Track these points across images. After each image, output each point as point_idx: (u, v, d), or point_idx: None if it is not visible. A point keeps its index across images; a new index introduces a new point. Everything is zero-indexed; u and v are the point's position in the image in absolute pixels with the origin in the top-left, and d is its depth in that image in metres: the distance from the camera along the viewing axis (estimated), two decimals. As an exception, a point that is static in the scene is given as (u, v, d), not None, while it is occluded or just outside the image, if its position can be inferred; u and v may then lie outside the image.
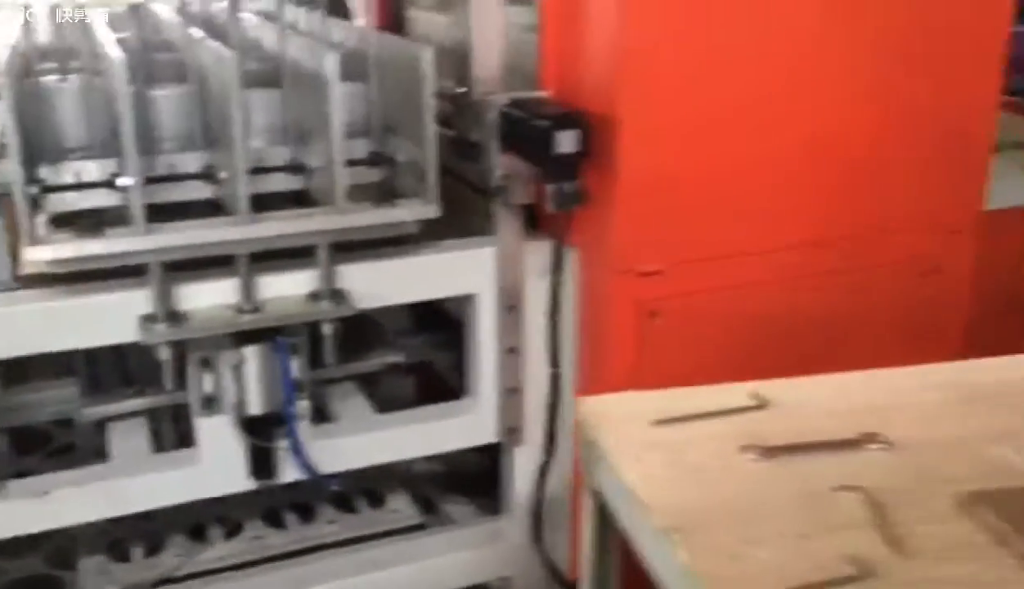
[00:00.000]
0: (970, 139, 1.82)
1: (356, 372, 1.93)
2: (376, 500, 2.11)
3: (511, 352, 1.81)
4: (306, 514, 2.07)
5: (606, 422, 1.10)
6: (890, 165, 1.78)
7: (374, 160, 1.70)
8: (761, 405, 1.14)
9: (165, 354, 1.54)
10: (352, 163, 1.66)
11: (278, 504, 2.07)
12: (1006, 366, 1.26)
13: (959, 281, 1.90)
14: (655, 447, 1.04)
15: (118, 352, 1.78)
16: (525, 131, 1.53)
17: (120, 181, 1.46)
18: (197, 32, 1.74)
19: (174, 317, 1.54)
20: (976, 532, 0.90)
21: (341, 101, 1.50)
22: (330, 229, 1.57)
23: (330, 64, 1.48)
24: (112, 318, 1.52)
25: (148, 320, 1.52)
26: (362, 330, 1.97)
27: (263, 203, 1.55)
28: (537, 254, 1.78)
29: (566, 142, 1.49)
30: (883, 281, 1.85)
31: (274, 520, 2.05)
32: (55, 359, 1.68)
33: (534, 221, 1.75)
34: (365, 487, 2.11)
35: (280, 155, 1.67)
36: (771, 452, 1.02)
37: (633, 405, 1.14)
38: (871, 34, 1.69)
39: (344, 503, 2.10)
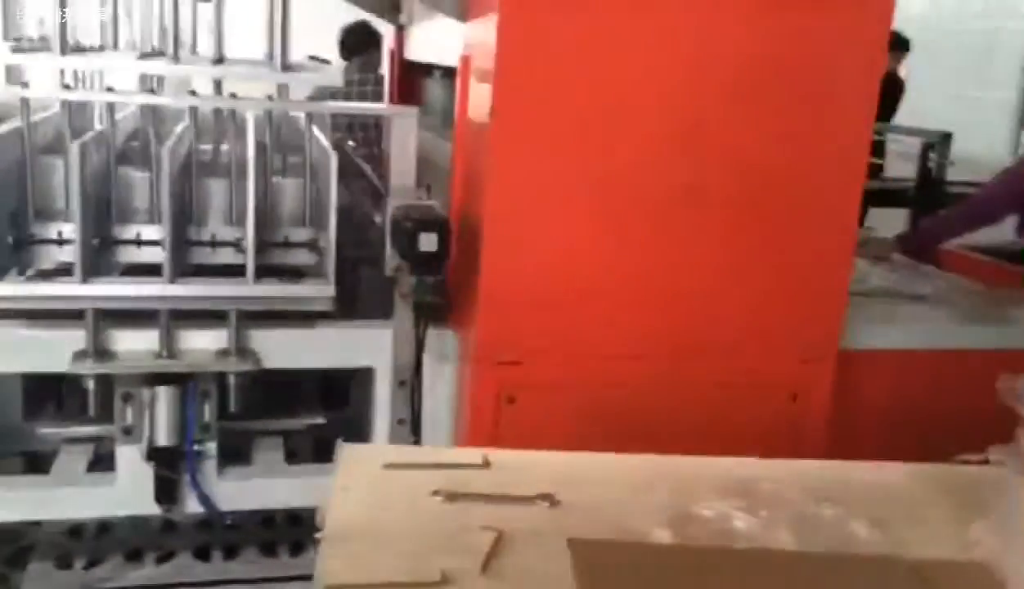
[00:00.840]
0: (828, 278, 1.99)
1: (274, 428, 2.21)
2: (297, 548, 2.37)
3: (400, 423, 2.06)
4: (231, 553, 2.34)
5: (351, 463, 1.34)
6: (751, 293, 1.96)
7: (311, 245, 2.04)
8: (485, 465, 1.35)
9: (91, 385, 1.87)
10: (291, 245, 2.02)
11: (211, 542, 2.36)
12: (750, 465, 1.43)
13: (817, 411, 2.04)
14: (369, 482, 1.28)
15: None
16: (399, 231, 1.82)
17: (68, 237, 1.83)
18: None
19: (103, 355, 1.87)
20: (567, 571, 1.09)
21: (252, 192, 1.84)
22: (236, 296, 1.88)
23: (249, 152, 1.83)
24: (51, 350, 1.87)
25: (79, 355, 1.86)
26: (296, 391, 2.27)
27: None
28: (437, 340, 2.05)
29: (427, 242, 1.77)
30: (738, 400, 2.01)
31: (203, 555, 2.33)
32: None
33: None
34: (289, 539, 2.38)
35: (230, 233, 2.02)
36: (454, 498, 1.24)
37: (382, 454, 1.38)
38: (732, 172, 1.90)
39: (270, 549, 2.37)
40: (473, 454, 1.38)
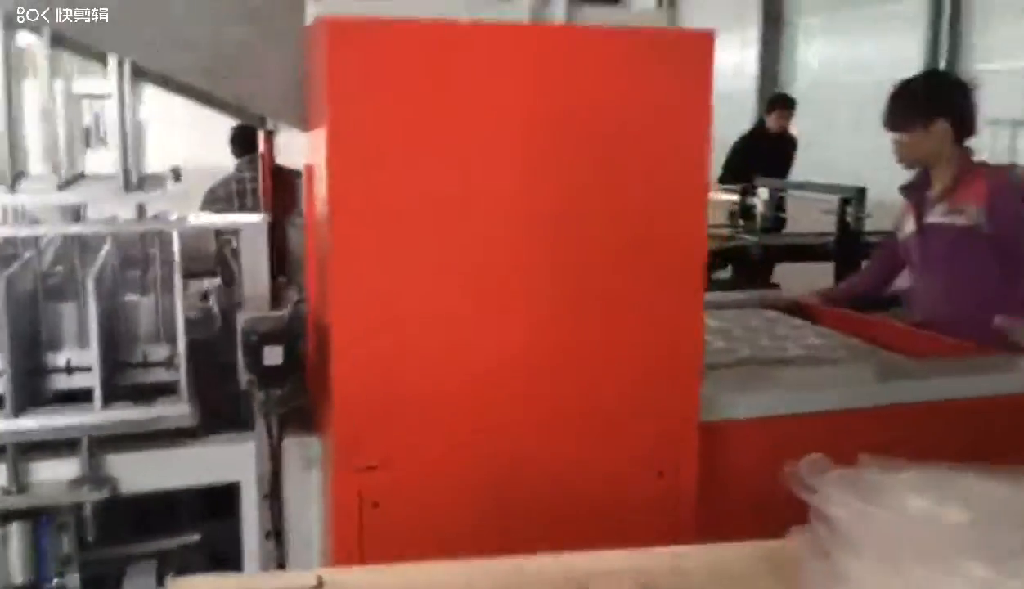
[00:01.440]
0: (680, 350, 2.03)
1: (144, 551, 2.15)
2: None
3: (268, 537, 2.02)
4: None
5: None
6: (605, 373, 1.98)
7: (169, 363, 2.02)
8: (319, 585, 1.34)
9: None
10: (149, 364, 1.99)
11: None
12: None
13: (686, 484, 2.06)
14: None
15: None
16: (245, 344, 1.81)
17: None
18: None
19: (-51, 494, 1.82)
20: None
21: (94, 314, 1.82)
22: (84, 425, 1.85)
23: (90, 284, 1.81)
24: None
25: (-78, 495, 1.80)
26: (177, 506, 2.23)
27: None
28: (301, 447, 2.03)
29: (271, 355, 1.77)
30: (605, 482, 2.02)
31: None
32: None
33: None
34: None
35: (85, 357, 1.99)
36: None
37: (213, 584, 1.35)
38: (574, 255, 1.94)
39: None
40: (306, 577, 1.36)
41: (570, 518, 1.98)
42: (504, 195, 1.88)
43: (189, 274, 2.40)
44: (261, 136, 2.94)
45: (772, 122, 6.61)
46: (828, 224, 5.22)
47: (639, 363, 2.00)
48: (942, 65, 14.52)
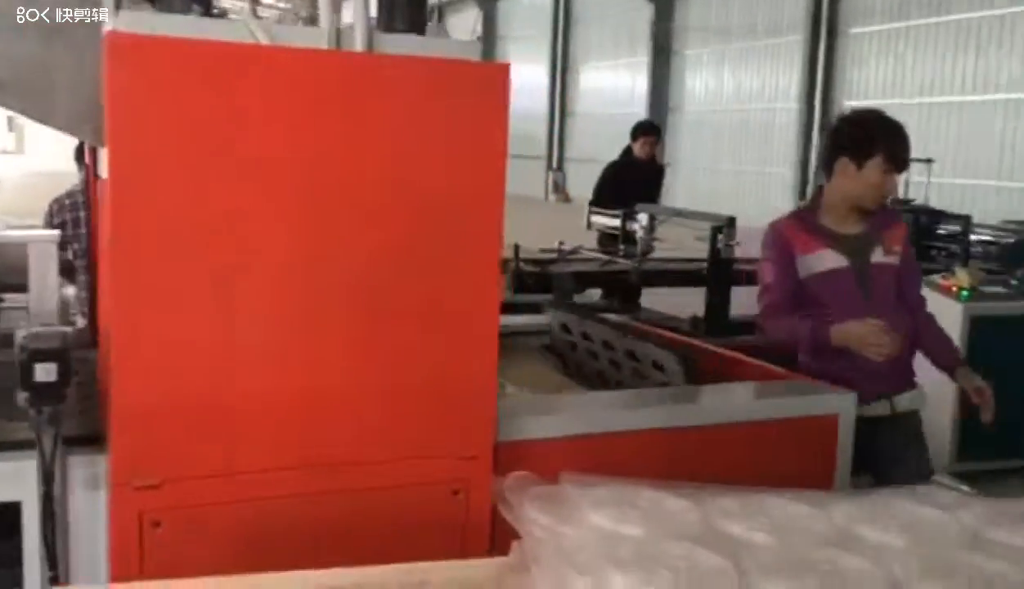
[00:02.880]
0: (475, 376, 2.08)
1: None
2: None
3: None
4: None
5: None
6: (401, 398, 2.01)
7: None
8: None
9: None
10: None
11: None
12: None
13: (481, 502, 2.11)
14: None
15: None
16: (19, 361, 1.79)
17: None
18: None
19: None
20: None
21: None
22: None
23: None
24: None
25: None
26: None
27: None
28: (89, 465, 2.00)
29: (45, 372, 1.75)
30: (400, 501, 2.05)
31: None
32: None
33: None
34: None
35: None
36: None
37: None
38: (364, 286, 1.97)
39: None
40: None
41: (364, 536, 2.01)
42: (294, 218, 1.90)
43: (8, 287, 2.35)
44: (87, 149, 2.89)
45: (638, 149, 6.78)
46: (701, 250, 5.39)
47: (435, 387, 2.05)
48: (818, 100, 15.22)
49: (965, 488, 1.36)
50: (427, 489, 2.09)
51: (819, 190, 2.97)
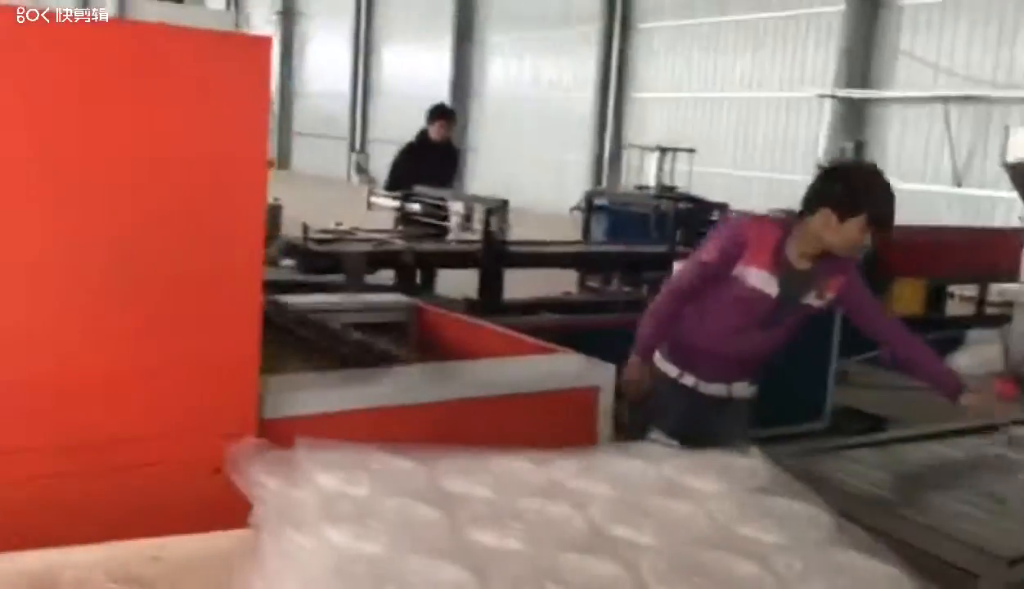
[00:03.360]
0: (236, 355, 2.07)
1: None
2: None
3: None
4: None
5: None
6: (157, 376, 1.97)
7: None
8: None
9: None
10: None
11: None
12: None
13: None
14: None
15: None
16: None
17: None
18: None
19: None
20: None
21: None
22: None
23: None
24: None
25: None
26: None
27: None
28: None
29: None
30: (159, 481, 2.01)
31: None
32: None
33: None
34: None
35: None
36: None
37: None
38: (124, 267, 1.91)
39: None
40: None
41: (121, 517, 1.95)
42: (40, 195, 1.82)
43: None
44: None
45: (434, 132, 6.85)
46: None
47: (193, 363, 2.02)
48: (612, 90, 15.86)
49: (674, 444, 1.50)
50: (187, 467, 2.06)
51: (800, 215, 2.79)
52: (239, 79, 2.00)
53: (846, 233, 2.67)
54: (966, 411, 2.72)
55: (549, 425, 2.59)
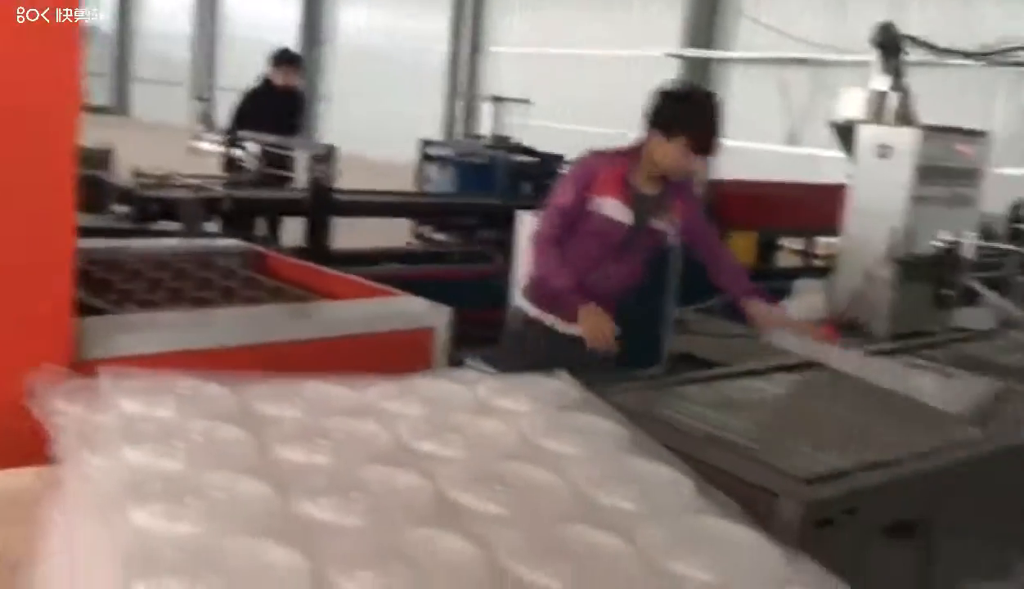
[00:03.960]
0: (44, 295, 1.99)
1: None
2: None
3: None
4: None
5: None
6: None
7: None
8: None
9: None
10: None
11: None
12: None
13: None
14: None
15: None
16: None
17: None
18: None
19: None
20: None
21: None
22: None
23: None
24: None
25: None
26: None
27: None
28: None
29: None
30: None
31: None
32: None
33: None
34: None
35: None
36: None
37: None
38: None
39: None
40: None
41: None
42: None
43: None
44: None
45: (278, 78, 6.66)
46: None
47: (3, 307, 1.93)
48: (465, 42, 15.80)
49: (490, 370, 1.55)
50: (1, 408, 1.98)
51: (640, 144, 2.90)
52: (46, 8, 1.90)
53: (673, 154, 2.78)
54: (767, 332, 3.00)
55: (385, 366, 2.60)
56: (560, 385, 1.41)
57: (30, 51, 1.88)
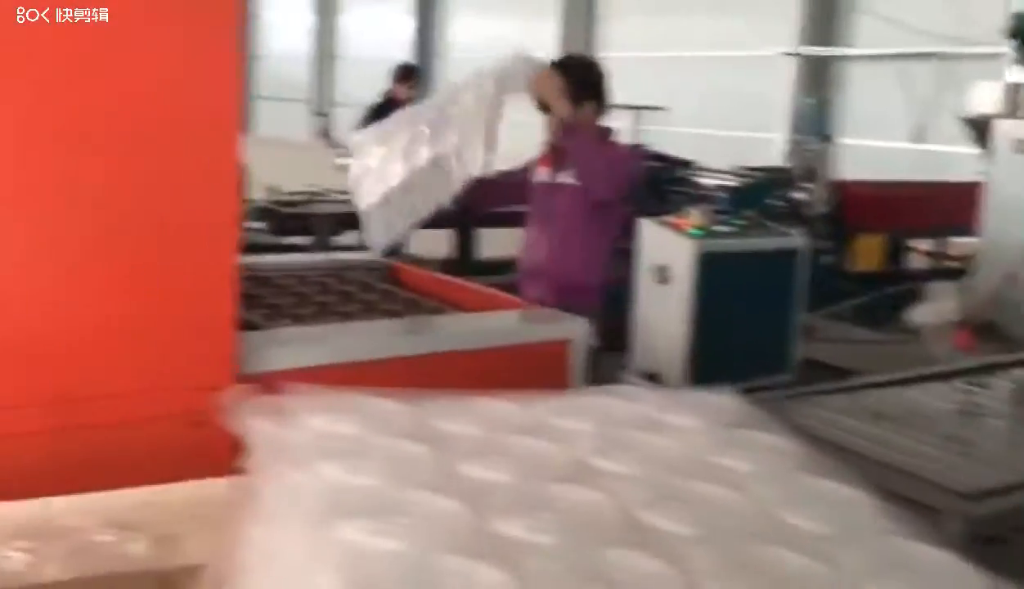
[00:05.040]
0: (212, 309, 2.08)
1: None
2: None
3: None
4: None
5: None
6: (130, 333, 1.98)
7: None
8: None
9: None
10: None
11: None
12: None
13: (222, 434, 2.12)
14: None
15: None
16: None
17: None
18: None
19: None
20: None
21: None
22: None
23: None
24: None
25: None
26: None
27: None
28: None
29: None
30: (135, 436, 2.03)
31: None
32: None
33: None
34: None
35: None
36: None
37: None
38: (96, 221, 1.92)
39: None
40: None
41: (102, 472, 1.97)
42: (17, 149, 1.82)
43: None
44: None
45: (401, 92, 6.83)
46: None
47: (171, 317, 2.03)
48: (576, 49, 15.81)
49: (652, 385, 1.55)
50: (166, 421, 2.08)
51: None
52: (207, 34, 1.99)
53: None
54: None
55: (524, 379, 2.63)
56: (726, 401, 1.40)
57: (199, 75, 1.98)
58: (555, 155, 3.41)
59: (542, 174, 3.47)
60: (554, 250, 3.41)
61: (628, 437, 1.23)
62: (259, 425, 1.19)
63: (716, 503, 1.06)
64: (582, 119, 3.29)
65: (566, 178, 3.36)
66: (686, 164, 7.13)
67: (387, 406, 1.27)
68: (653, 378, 4.03)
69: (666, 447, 1.22)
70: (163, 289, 2.00)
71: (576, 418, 1.29)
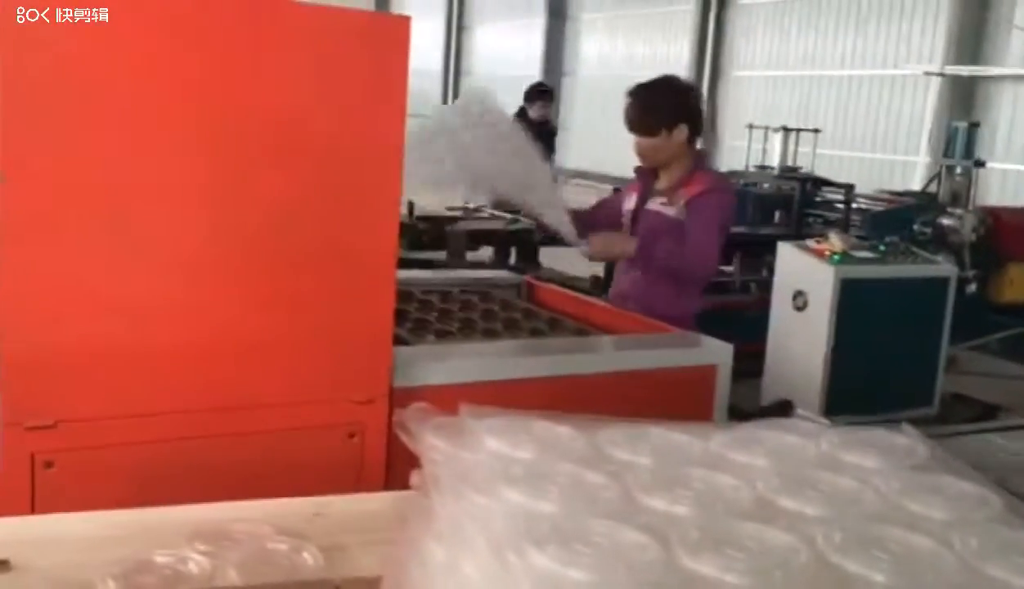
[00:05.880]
0: (371, 323, 2.13)
1: None
2: None
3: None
4: None
5: None
6: (295, 343, 2.05)
7: None
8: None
9: None
10: None
11: None
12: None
13: (376, 446, 2.17)
14: None
15: None
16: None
17: None
18: None
19: None
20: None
21: None
22: None
23: None
24: None
25: None
26: None
27: None
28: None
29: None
30: (294, 444, 2.09)
31: None
32: None
33: None
34: None
35: None
36: None
37: None
38: (267, 232, 1.99)
39: None
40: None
41: (259, 481, 2.04)
42: (193, 161, 1.91)
43: None
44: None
45: (534, 111, 6.89)
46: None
47: (332, 332, 2.09)
48: (707, 68, 15.61)
49: (824, 421, 1.50)
50: (323, 432, 2.15)
51: None
52: (381, 59, 2.05)
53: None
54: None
55: (670, 403, 2.60)
56: (908, 441, 1.33)
57: (376, 99, 2.04)
58: (644, 181, 3.40)
59: (631, 199, 3.43)
60: (641, 278, 3.29)
61: (807, 475, 1.19)
62: (436, 443, 1.20)
63: (913, 552, 1.01)
64: (674, 143, 3.24)
65: (654, 205, 3.30)
66: (849, 188, 6.96)
67: (560, 431, 1.26)
68: (784, 407, 3.92)
69: (850, 489, 1.17)
70: (328, 303, 2.06)
71: (752, 453, 1.25)
